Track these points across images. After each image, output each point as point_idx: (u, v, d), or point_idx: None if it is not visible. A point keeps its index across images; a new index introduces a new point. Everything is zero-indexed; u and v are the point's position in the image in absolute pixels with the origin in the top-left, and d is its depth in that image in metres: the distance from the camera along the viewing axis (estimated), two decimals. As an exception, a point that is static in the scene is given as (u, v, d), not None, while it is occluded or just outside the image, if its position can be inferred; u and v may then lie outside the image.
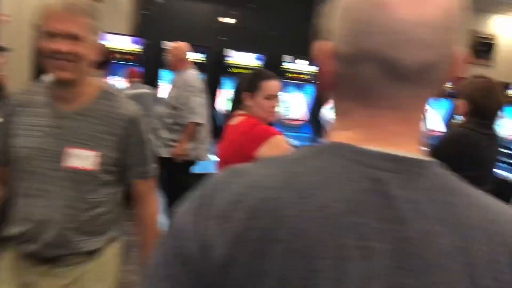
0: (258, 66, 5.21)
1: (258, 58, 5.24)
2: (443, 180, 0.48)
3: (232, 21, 6.53)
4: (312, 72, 5.30)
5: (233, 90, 2.13)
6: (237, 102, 1.99)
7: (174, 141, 3.42)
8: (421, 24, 0.44)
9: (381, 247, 0.43)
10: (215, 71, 5.06)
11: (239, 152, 1.75)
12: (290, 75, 5.27)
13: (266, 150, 1.69)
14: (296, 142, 4.91)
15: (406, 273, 0.42)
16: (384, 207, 0.44)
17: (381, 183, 0.45)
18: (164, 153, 3.37)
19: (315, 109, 5.35)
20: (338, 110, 0.52)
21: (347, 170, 0.45)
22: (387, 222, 0.44)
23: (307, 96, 5.45)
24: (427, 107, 0.50)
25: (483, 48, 6.25)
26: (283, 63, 5.27)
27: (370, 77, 0.47)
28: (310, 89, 5.40)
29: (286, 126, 5.19)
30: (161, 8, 6.02)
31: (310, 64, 5.30)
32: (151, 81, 4.52)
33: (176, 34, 5.38)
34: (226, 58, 5.11)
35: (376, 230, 0.43)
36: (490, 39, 6.31)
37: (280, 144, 1.77)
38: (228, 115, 2.04)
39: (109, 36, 4.42)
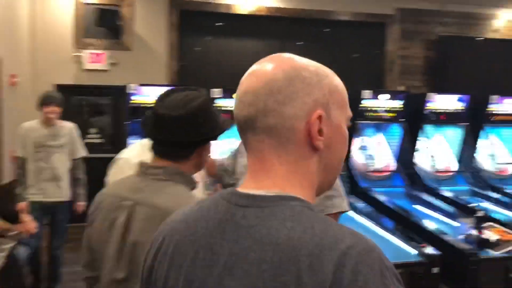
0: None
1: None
2: (281, 209, 0.64)
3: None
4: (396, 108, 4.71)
5: None
6: None
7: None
8: (246, 91, 0.68)
9: (220, 259, 0.64)
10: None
11: None
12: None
13: None
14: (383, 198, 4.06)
15: (230, 277, 0.63)
16: (231, 232, 0.65)
17: (234, 215, 0.66)
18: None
19: (404, 155, 4.68)
20: None
21: (218, 207, 0.69)
22: (228, 241, 0.65)
23: (391, 139, 4.74)
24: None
25: None
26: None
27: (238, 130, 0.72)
28: (395, 129, 4.72)
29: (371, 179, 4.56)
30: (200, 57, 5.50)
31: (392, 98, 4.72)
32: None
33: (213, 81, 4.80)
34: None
35: (220, 247, 0.65)
36: None
37: None
38: None
39: (145, 88, 4.02)
